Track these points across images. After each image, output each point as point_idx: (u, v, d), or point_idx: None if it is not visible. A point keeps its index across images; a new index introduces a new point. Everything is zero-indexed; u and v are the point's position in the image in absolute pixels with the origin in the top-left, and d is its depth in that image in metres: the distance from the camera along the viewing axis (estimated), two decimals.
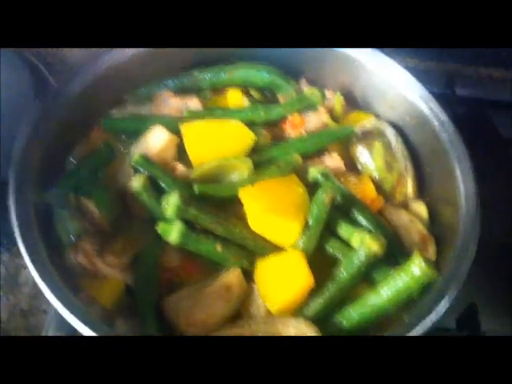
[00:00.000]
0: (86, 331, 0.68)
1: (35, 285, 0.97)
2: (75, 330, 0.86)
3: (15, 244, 0.99)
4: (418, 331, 0.74)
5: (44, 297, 0.96)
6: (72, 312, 0.69)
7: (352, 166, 1.00)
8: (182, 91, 1.01)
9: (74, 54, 1.33)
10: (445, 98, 1.04)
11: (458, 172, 0.90)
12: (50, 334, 0.89)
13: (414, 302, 0.81)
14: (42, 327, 0.91)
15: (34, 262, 0.72)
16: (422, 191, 0.99)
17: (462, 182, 0.89)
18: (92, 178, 0.89)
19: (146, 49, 0.98)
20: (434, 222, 0.96)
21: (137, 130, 0.95)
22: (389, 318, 0.81)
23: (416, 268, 0.79)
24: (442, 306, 0.76)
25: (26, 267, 0.98)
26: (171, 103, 0.98)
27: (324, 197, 0.85)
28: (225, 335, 0.77)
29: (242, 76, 1.04)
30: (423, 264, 0.79)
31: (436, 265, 0.85)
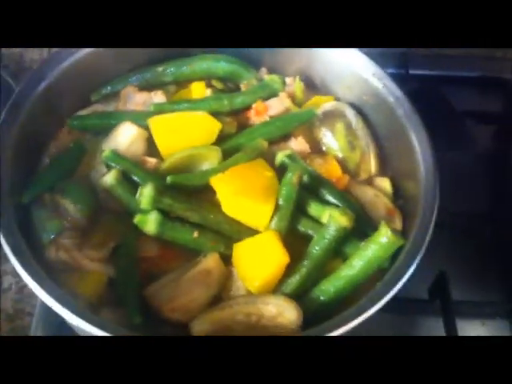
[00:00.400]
0: (76, 321, 0.70)
1: (19, 289, 1.00)
2: (62, 328, 0.89)
3: None
4: (389, 296, 0.78)
5: (28, 300, 0.99)
6: (64, 305, 0.71)
7: (317, 147, 1.03)
8: (146, 87, 1.03)
9: (30, 55, 1.35)
10: (399, 77, 1.08)
11: (415, 145, 0.94)
12: (39, 334, 0.91)
13: (384, 270, 0.85)
14: (28, 329, 0.94)
15: (20, 261, 0.73)
16: (384, 167, 1.04)
17: (420, 154, 0.93)
18: (65, 176, 0.91)
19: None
20: (398, 196, 1.00)
21: (104, 126, 0.97)
22: (363, 287, 0.84)
23: (384, 238, 0.83)
24: (411, 271, 0.80)
25: (7, 273, 1.01)
26: (136, 98, 1.00)
27: (292, 177, 0.89)
28: (208, 318, 0.80)
29: (203, 68, 1.06)
30: (390, 233, 0.83)
31: (402, 234, 0.90)
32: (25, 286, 1.01)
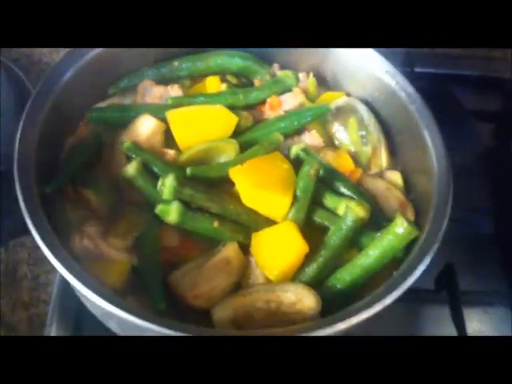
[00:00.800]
0: (104, 304, 0.72)
1: (34, 278, 1.01)
2: (77, 315, 0.90)
3: (12, 239, 1.03)
4: (407, 285, 0.80)
5: (44, 288, 1.00)
6: (96, 291, 0.72)
7: (329, 142, 1.06)
8: (162, 81, 1.05)
9: (40, 50, 1.36)
10: (406, 76, 1.10)
11: (427, 139, 0.97)
12: (54, 322, 0.93)
13: (398, 261, 0.87)
14: (44, 317, 0.95)
15: (49, 246, 0.74)
16: (395, 161, 1.06)
17: (432, 149, 0.96)
18: (84, 168, 0.92)
19: None
20: (409, 189, 1.02)
21: (123, 119, 0.98)
22: (378, 277, 0.87)
23: (400, 228, 0.85)
24: (427, 261, 0.83)
25: (22, 262, 1.03)
26: (154, 92, 1.02)
27: (309, 170, 0.91)
28: (229, 305, 0.82)
29: (217, 63, 1.08)
30: (406, 224, 0.85)
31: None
32: (40, 274, 1.03)
